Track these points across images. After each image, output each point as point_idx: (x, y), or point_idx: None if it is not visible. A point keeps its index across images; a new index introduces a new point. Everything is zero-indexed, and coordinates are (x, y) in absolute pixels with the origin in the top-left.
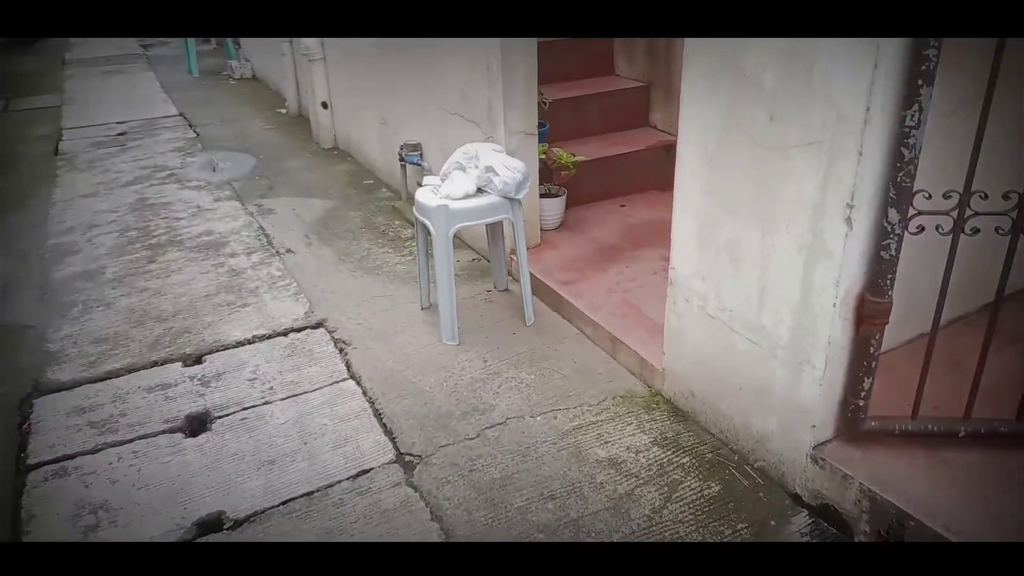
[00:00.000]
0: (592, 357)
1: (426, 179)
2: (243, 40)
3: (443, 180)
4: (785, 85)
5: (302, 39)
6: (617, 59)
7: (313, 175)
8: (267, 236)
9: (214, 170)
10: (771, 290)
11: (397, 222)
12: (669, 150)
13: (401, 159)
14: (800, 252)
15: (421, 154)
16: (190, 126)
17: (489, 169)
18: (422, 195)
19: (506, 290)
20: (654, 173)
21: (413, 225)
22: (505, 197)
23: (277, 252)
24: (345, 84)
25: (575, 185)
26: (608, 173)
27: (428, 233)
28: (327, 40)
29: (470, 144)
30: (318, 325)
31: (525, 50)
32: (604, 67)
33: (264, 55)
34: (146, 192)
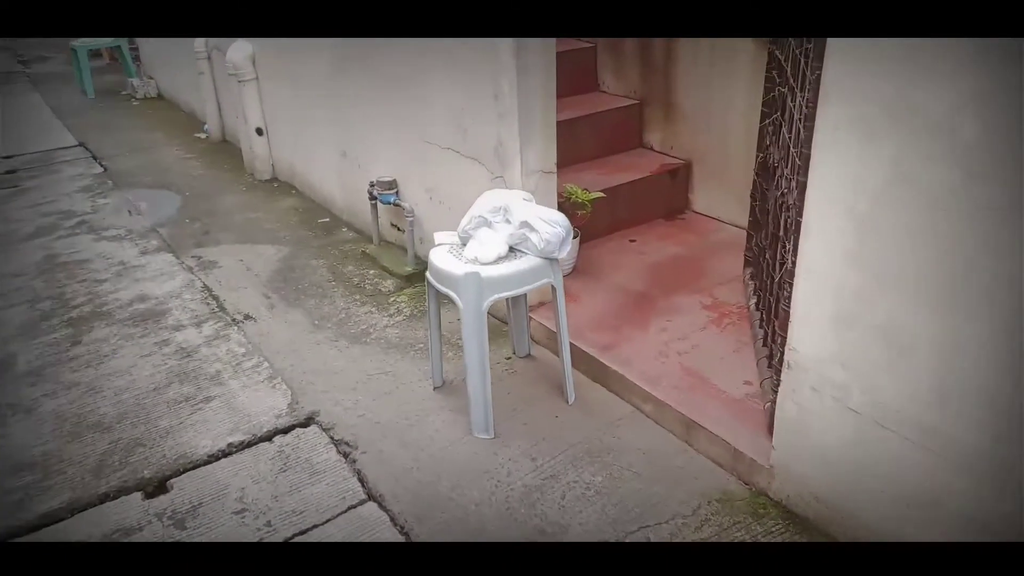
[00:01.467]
0: (662, 445)
1: (439, 236)
2: (144, 54)
3: (462, 236)
4: (997, 134)
5: (229, 57)
6: (602, 74)
7: (255, 214)
8: (216, 299)
9: (131, 213)
10: (960, 389)
11: (372, 271)
12: (675, 175)
13: (372, 198)
14: (1013, 346)
15: (398, 192)
16: (95, 158)
17: (525, 225)
18: (440, 258)
19: (528, 355)
20: (659, 201)
21: (392, 274)
22: (545, 257)
23: (234, 320)
24: (286, 108)
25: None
26: (614, 205)
27: (438, 296)
28: (259, 58)
29: (492, 193)
30: (308, 421)
31: (543, 72)
32: (588, 83)
33: (172, 71)
34: (54, 247)
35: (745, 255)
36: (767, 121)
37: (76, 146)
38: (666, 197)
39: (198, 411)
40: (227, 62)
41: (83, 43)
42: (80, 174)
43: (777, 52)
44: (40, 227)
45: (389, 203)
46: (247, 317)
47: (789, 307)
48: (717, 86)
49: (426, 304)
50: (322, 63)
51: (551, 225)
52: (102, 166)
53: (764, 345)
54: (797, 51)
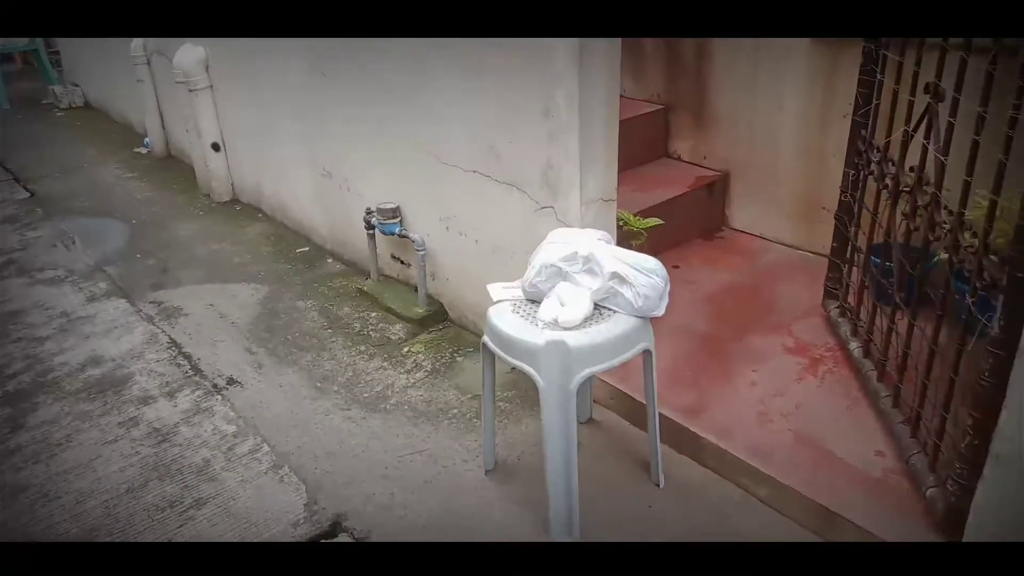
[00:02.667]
0: (789, 539)
1: (496, 290)
2: (66, 59)
3: (530, 291)
4: None
5: (177, 62)
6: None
7: (219, 244)
8: (188, 358)
9: (68, 247)
10: None
11: (374, 314)
12: (712, 188)
13: (370, 227)
14: None
15: (402, 220)
16: (17, 181)
17: (615, 276)
18: (506, 321)
19: (590, 420)
20: (696, 219)
21: (400, 317)
22: (640, 316)
23: (215, 386)
24: (248, 119)
25: None
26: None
27: (495, 363)
28: (213, 63)
29: (562, 235)
30: (335, 528)
31: (608, 82)
32: None
33: (101, 78)
34: None
35: (827, 286)
36: (865, 133)
37: None
38: (703, 214)
39: (189, 521)
40: (175, 68)
41: None
42: (2, 201)
43: (887, 53)
44: None
45: (393, 234)
46: (231, 381)
47: (993, 383)
48: (763, 88)
49: (481, 375)
50: (295, 66)
51: (646, 275)
52: (28, 190)
53: (895, 406)
54: (962, 53)
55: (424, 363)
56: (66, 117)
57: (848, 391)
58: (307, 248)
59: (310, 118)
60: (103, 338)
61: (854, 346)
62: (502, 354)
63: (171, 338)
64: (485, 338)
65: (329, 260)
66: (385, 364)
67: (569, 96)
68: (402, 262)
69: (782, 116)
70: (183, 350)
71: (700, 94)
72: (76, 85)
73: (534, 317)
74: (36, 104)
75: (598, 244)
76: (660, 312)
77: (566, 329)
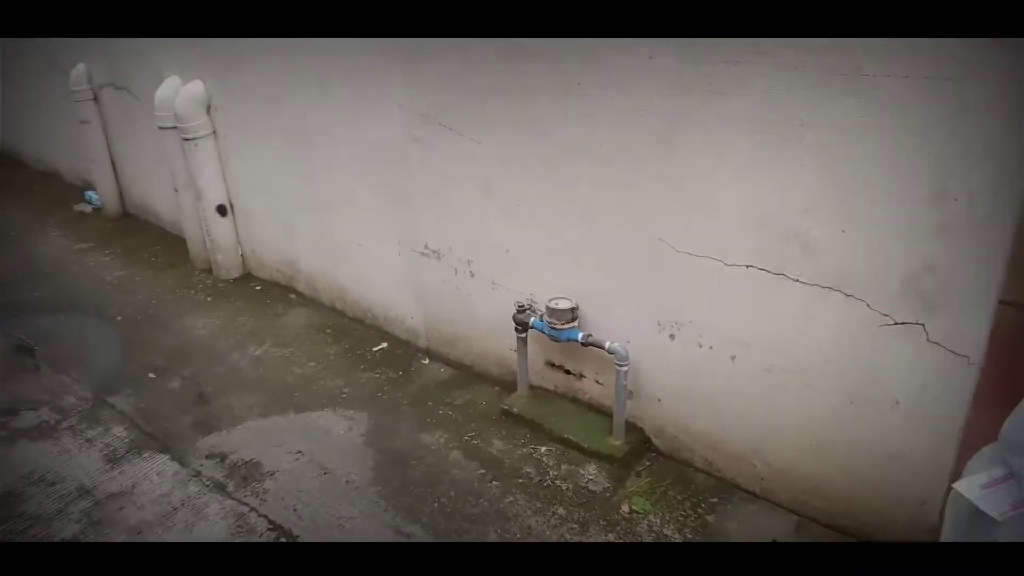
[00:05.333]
0: None
1: (972, 490)
2: None
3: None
4: None
5: (163, 101)
6: None
7: (260, 347)
8: None
9: (38, 367)
10: None
11: (544, 448)
12: None
13: (522, 327)
14: None
15: (579, 322)
16: None
17: None
18: None
19: None
20: None
21: (586, 453)
22: None
23: None
24: (272, 175)
25: None
26: None
27: None
28: (218, 102)
29: None
30: None
31: None
32: None
33: (9, 114)
34: None
35: None
36: None
37: None
38: None
39: None
40: (158, 111)
41: None
42: None
43: None
44: None
45: (572, 340)
46: None
47: None
48: None
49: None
50: (382, 102)
51: None
52: None
53: None
54: None
55: (666, 531)
56: None
57: None
58: (385, 344)
59: (404, 176)
60: (164, 530)
61: None
62: None
63: (270, 520)
64: None
65: (426, 361)
66: (611, 538)
67: (1000, 175)
68: (567, 371)
69: None
70: (299, 540)
71: None
72: None
73: None
74: None
75: None
76: None
77: None
